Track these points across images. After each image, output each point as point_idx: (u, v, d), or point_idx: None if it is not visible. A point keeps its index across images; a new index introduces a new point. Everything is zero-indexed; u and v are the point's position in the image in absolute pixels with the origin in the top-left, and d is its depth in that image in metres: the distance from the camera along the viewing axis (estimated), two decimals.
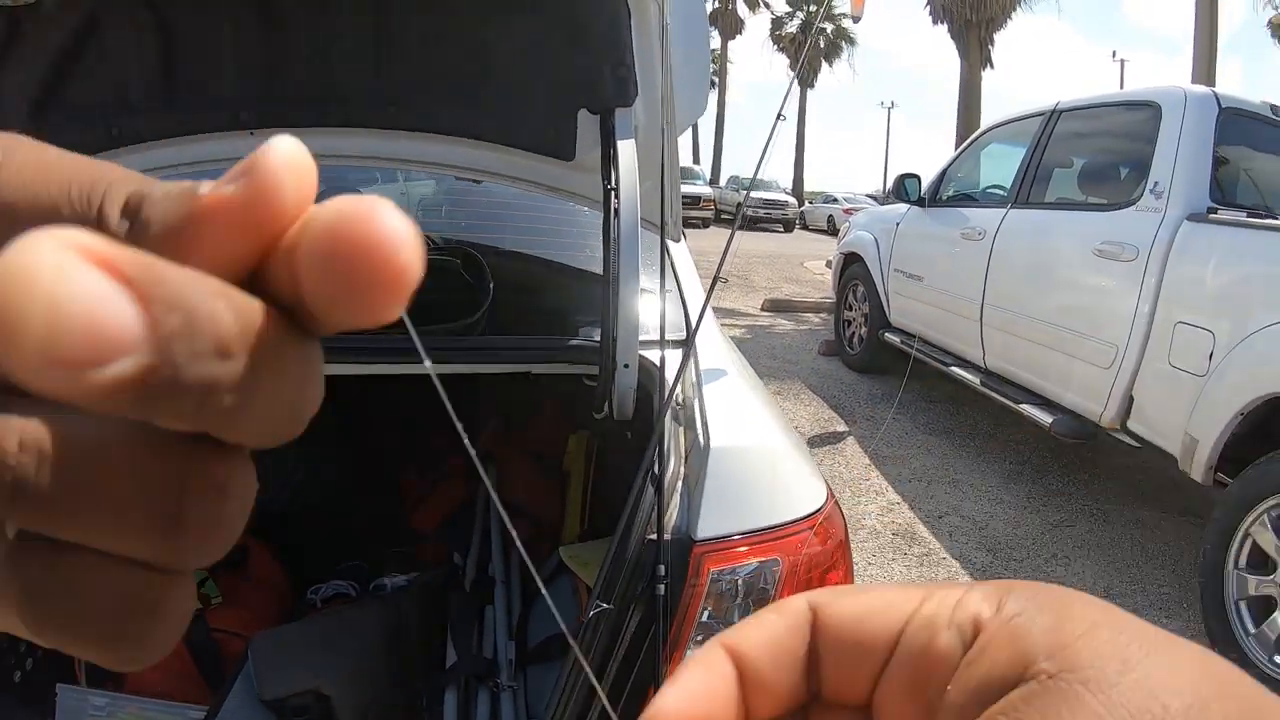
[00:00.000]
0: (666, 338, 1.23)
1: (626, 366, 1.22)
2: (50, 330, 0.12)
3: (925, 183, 5.23)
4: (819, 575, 1.09)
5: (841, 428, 4.66)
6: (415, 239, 0.15)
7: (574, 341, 1.42)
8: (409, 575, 1.87)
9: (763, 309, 8.56)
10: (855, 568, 2.12)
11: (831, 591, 0.21)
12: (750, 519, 1.09)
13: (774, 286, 10.23)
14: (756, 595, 1.06)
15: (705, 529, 1.06)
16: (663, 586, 1.01)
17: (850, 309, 6.08)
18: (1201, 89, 3.45)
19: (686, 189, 17.33)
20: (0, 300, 0.12)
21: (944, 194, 5.11)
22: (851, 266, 6.04)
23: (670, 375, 1.18)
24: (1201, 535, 2.76)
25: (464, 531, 2.02)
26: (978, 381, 4.26)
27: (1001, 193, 4.53)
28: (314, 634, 1.50)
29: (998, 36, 24.96)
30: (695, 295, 1.61)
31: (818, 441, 4.43)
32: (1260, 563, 2.51)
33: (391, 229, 0.15)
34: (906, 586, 0.20)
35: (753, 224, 21.19)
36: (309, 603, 1.86)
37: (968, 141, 5.26)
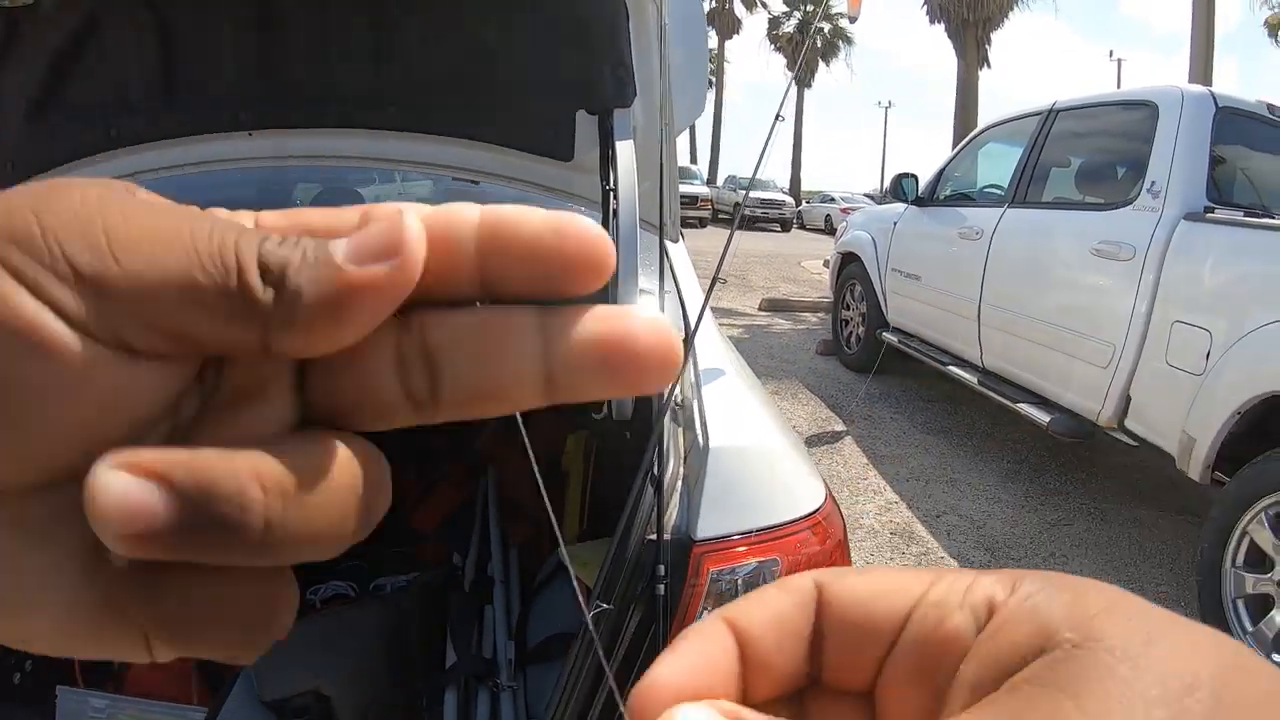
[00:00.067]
0: None
1: None
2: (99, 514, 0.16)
3: (923, 182, 5.23)
4: None
5: (839, 427, 4.66)
6: (674, 339, 0.18)
7: None
8: (408, 575, 1.87)
9: (760, 309, 8.56)
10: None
11: (838, 571, 0.20)
12: (749, 519, 1.09)
13: (771, 286, 10.24)
14: None
15: (705, 529, 1.06)
16: (663, 586, 1.01)
17: (848, 308, 6.09)
18: (1198, 88, 3.45)
19: (684, 189, 17.34)
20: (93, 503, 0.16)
21: (941, 193, 5.11)
22: (849, 266, 6.05)
23: None
24: (1199, 534, 2.76)
25: (463, 531, 2.02)
26: (975, 381, 4.26)
27: (999, 192, 4.53)
28: (314, 634, 1.50)
29: (995, 36, 25.06)
30: (694, 296, 1.61)
31: (815, 441, 4.43)
32: (1258, 561, 2.51)
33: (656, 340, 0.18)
34: (915, 570, 0.19)
35: (750, 224, 21.18)
36: (308, 603, 1.86)
37: (965, 141, 5.25)
